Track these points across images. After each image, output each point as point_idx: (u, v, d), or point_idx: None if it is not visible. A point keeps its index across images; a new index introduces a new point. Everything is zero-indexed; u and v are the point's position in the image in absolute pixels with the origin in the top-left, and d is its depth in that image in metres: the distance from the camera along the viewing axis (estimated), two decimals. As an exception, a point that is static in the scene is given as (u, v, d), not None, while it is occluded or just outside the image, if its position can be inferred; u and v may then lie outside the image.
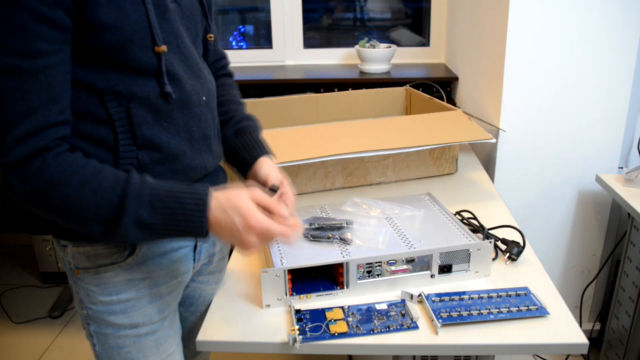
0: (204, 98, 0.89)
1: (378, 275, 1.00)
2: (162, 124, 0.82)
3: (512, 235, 1.15)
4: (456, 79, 2.21)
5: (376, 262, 0.98)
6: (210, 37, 0.95)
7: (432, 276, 1.02)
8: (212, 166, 0.94)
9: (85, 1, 0.71)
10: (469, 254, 1.02)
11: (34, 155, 0.71)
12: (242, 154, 0.98)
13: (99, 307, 0.88)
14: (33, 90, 0.70)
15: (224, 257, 1.09)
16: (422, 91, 1.89)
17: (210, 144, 0.92)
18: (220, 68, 1.09)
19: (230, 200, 0.75)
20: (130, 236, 0.74)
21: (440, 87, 2.15)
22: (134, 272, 0.87)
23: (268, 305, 0.97)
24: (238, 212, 0.75)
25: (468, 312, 0.92)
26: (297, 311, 0.95)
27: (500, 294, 0.98)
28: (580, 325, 1.55)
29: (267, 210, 0.78)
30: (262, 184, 0.93)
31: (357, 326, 0.91)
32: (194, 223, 0.75)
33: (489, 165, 1.78)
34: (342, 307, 0.96)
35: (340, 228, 1.09)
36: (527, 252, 1.12)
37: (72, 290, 0.92)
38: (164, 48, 0.78)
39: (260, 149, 0.98)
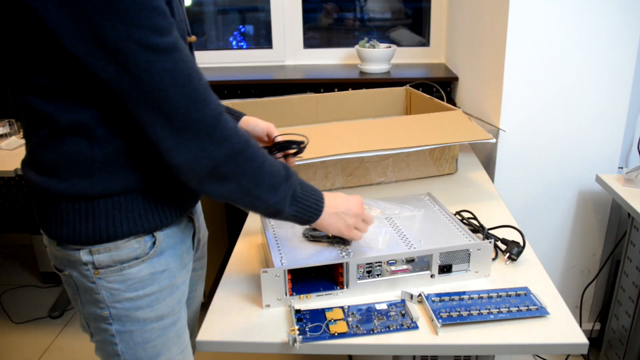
0: None
1: (378, 275, 1.00)
2: None
3: (512, 235, 1.15)
4: (456, 79, 2.21)
5: (376, 262, 0.98)
6: (192, 39, 0.94)
7: (432, 276, 1.02)
8: None
9: None
10: (469, 254, 1.02)
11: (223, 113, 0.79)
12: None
13: (125, 304, 0.88)
14: (191, 60, 0.76)
15: (205, 242, 1.14)
16: (422, 91, 1.89)
17: None
18: None
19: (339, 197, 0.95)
20: (285, 204, 0.86)
21: (440, 87, 2.15)
22: (155, 266, 0.89)
23: (268, 305, 0.97)
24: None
25: (468, 312, 0.92)
26: (297, 311, 0.95)
27: (500, 294, 0.98)
28: (580, 325, 1.55)
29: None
30: (265, 137, 1.04)
31: (357, 326, 0.91)
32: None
33: (489, 165, 1.78)
34: (342, 307, 0.96)
35: (340, 228, 1.09)
36: (527, 252, 1.12)
37: (80, 294, 0.90)
38: (194, 38, 0.83)
39: (237, 111, 1.07)
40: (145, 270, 0.88)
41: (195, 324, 1.15)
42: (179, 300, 0.94)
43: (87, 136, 0.78)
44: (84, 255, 0.85)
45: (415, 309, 0.95)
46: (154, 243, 0.88)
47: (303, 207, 0.89)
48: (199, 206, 1.07)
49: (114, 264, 0.85)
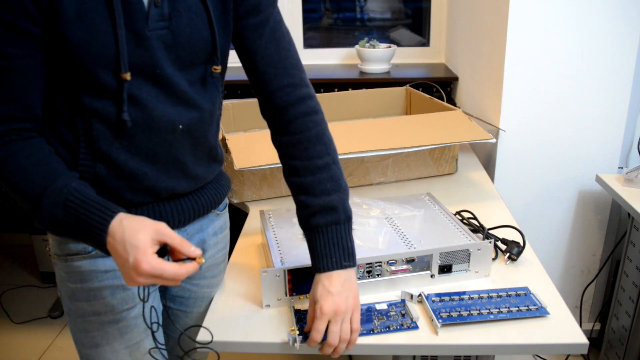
0: (181, 126, 0.86)
1: (378, 275, 1.00)
2: (122, 143, 0.83)
3: (512, 235, 1.15)
4: (456, 79, 2.21)
5: (376, 262, 0.98)
6: (215, 69, 0.89)
7: (432, 276, 1.02)
8: (186, 189, 0.92)
9: (57, 18, 0.73)
10: (469, 254, 1.02)
11: None
12: (310, 254, 0.91)
13: (68, 292, 0.92)
14: None
15: (217, 263, 1.07)
16: (422, 91, 1.89)
17: (186, 169, 0.90)
18: (288, 105, 0.91)
19: (131, 235, 0.73)
20: (48, 228, 0.78)
21: (440, 87, 2.15)
22: (97, 265, 0.89)
23: (268, 305, 0.97)
24: (133, 251, 0.72)
25: (468, 312, 0.92)
26: (297, 311, 0.95)
27: (500, 294, 0.98)
28: (580, 325, 1.55)
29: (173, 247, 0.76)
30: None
31: None
32: (94, 238, 0.75)
33: (489, 165, 1.78)
34: (342, 307, 0.95)
35: (340, 228, 1.08)
36: (527, 252, 1.12)
37: None
38: (127, 76, 0.78)
39: (320, 262, 0.87)
40: (86, 266, 0.89)
41: (194, 330, 1.11)
42: (124, 302, 0.92)
43: None
44: (49, 237, 0.91)
45: (415, 309, 0.95)
46: None
47: (76, 233, 0.76)
48: (200, 229, 1.01)
49: (61, 252, 0.89)
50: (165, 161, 0.87)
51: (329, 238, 0.87)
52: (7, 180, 0.77)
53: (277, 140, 0.94)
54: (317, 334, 0.85)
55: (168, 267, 0.73)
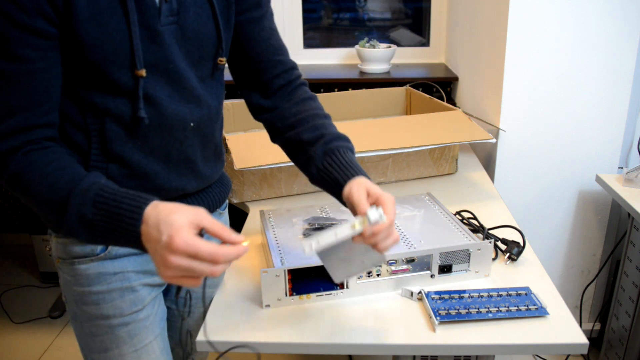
0: (192, 124, 0.87)
1: (378, 275, 1.00)
2: (136, 143, 0.83)
3: (512, 235, 1.15)
4: (456, 79, 2.21)
5: (376, 262, 0.98)
6: (221, 60, 0.89)
7: (432, 276, 1.02)
8: (194, 188, 0.94)
9: (71, 18, 0.72)
10: (469, 254, 1.02)
11: (10, 152, 0.74)
12: (334, 175, 0.88)
13: (75, 296, 0.91)
14: (15, 93, 0.73)
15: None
16: (422, 91, 1.89)
17: (195, 167, 0.92)
18: (291, 81, 1.00)
19: (166, 214, 0.67)
20: (77, 232, 0.73)
21: (440, 87, 2.15)
22: (106, 267, 0.89)
23: (268, 305, 0.97)
24: (167, 229, 0.65)
25: (467, 311, 0.92)
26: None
27: (500, 293, 0.98)
28: (580, 325, 1.55)
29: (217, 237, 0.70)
30: (354, 208, 0.82)
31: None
32: (127, 231, 0.69)
33: (489, 165, 1.78)
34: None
35: (340, 228, 1.08)
36: (527, 252, 1.12)
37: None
38: (142, 72, 0.78)
39: (355, 170, 0.87)
40: (93, 269, 0.89)
41: (194, 330, 1.12)
42: (133, 304, 0.92)
43: None
44: (52, 242, 0.90)
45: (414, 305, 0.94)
46: (106, 247, 0.89)
47: (107, 231, 0.71)
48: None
49: (67, 256, 0.89)
50: (177, 160, 0.88)
51: (350, 158, 0.90)
52: (28, 191, 0.74)
53: (282, 112, 0.98)
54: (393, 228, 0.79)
55: (204, 245, 0.65)
